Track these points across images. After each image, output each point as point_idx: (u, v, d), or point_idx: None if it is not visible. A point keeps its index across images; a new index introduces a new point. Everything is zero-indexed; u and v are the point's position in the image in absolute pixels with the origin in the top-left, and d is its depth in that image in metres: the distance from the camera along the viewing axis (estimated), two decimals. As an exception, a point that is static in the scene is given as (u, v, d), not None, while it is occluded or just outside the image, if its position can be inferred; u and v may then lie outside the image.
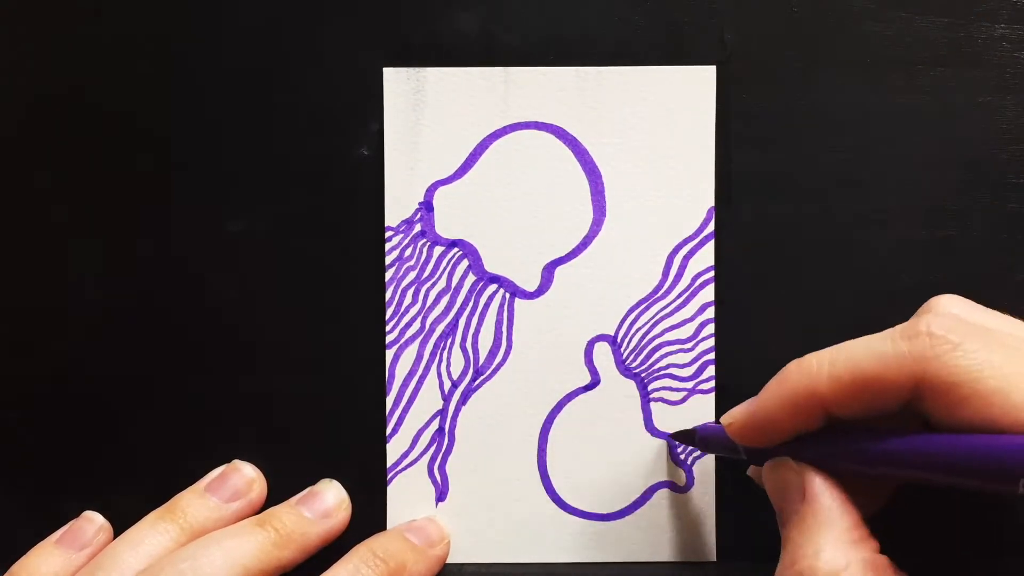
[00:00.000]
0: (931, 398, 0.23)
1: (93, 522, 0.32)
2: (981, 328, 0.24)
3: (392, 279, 0.32)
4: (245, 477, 0.32)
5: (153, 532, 0.30)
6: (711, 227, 0.32)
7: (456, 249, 0.33)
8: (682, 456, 0.32)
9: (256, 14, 0.32)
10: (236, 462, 0.32)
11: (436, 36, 0.32)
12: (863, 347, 0.24)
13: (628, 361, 0.32)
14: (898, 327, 0.24)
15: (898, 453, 0.24)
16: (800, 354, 0.32)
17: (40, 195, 0.33)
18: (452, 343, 0.33)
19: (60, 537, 0.31)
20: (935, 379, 0.23)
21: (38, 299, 0.33)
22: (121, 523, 0.32)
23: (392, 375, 0.32)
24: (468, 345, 0.33)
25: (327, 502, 0.32)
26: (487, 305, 0.33)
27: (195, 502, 0.31)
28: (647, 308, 0.32)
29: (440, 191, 0.32)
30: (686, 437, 0.31)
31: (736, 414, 0.27)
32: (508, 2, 0.32)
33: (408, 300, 0.32)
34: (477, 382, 0.33)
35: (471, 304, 0.33)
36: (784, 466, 0.26)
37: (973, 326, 0.24)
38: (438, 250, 0.33)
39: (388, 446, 0.33)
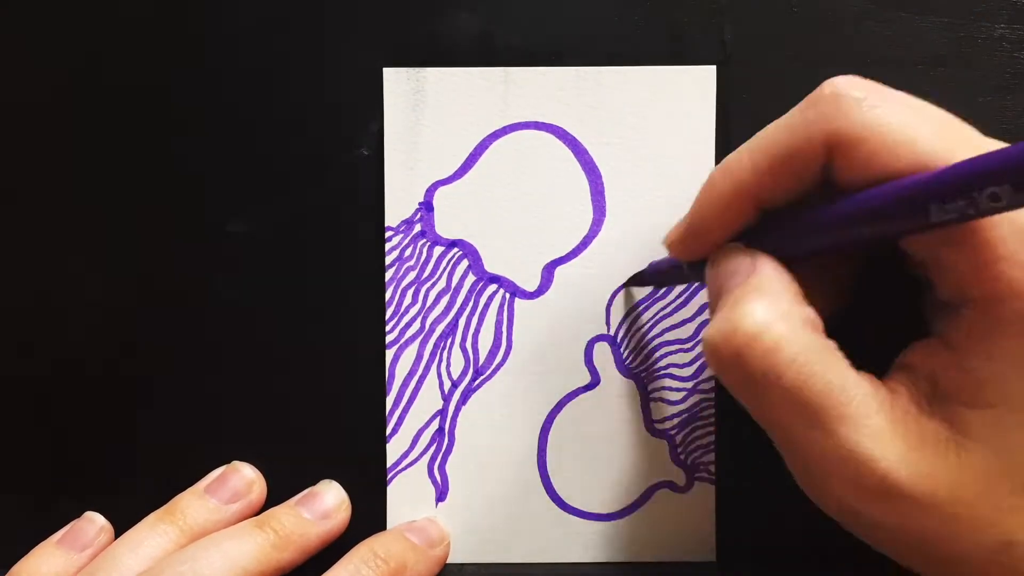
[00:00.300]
0: (842, 158, 0.23)
1: (94, 523, 0.32)
2: (882, 88, 0.24)
3: (392, 279, 0.32)
4: (245, 478, 0.32)
5: (152, 534, 0.30)
6: (711, 227, 0.32)
7: (456, 249, 0.33)
8: (682, 456, 0.32)
9: (256, 14, 0.32)
10: (235, 463, 0.32)
11: (436, 36, 0.32)
12: (774, 127, 0.25)
13: (628, 361, 0.32)
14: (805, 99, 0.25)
15: (819, 221, 0.24)
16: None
17: (40, 195, 0.33)
18: (452, 343, 0.33)
19: (61, 538, 0.31)
20: (844, 137, 0.23)
21: (38, 299, 0.33)
22: (121, 524, 0.32)
23: (392, 375, 0.33)
24: (468, 345, 0.33)
25: (327, 503, 0.32)
26: (487, 305, 0.33)
27: (194, 503, 0.31)
28: (647, 308, 0.32)
29: (440, 191, 0.32)
30: (637, 280, 0.32)
31: (673, 231, 0.28)
32: (508, 2, 0.32)
33: (408, 300, 0.32)
34: (477, 382, 0.33)
35: (471, 304, 0.33)
36: (736, 250, 0.26)
37: (874, 85, 0.24)
38: (438, 250, 0.33)
39: (388, 446, 0.33)
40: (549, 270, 0.32)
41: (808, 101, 0.24)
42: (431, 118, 0.32)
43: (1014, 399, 0.23)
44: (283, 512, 0.31)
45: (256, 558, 0.29)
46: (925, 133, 0.23)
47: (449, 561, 0.32)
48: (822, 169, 0.24)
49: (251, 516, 0.32)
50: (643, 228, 0.32)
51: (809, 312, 0.24)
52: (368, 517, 0.32)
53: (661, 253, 0.32)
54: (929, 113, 0.24)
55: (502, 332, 0.32)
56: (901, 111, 0.23)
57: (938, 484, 0.22)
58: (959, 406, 0.23)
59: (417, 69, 0.32)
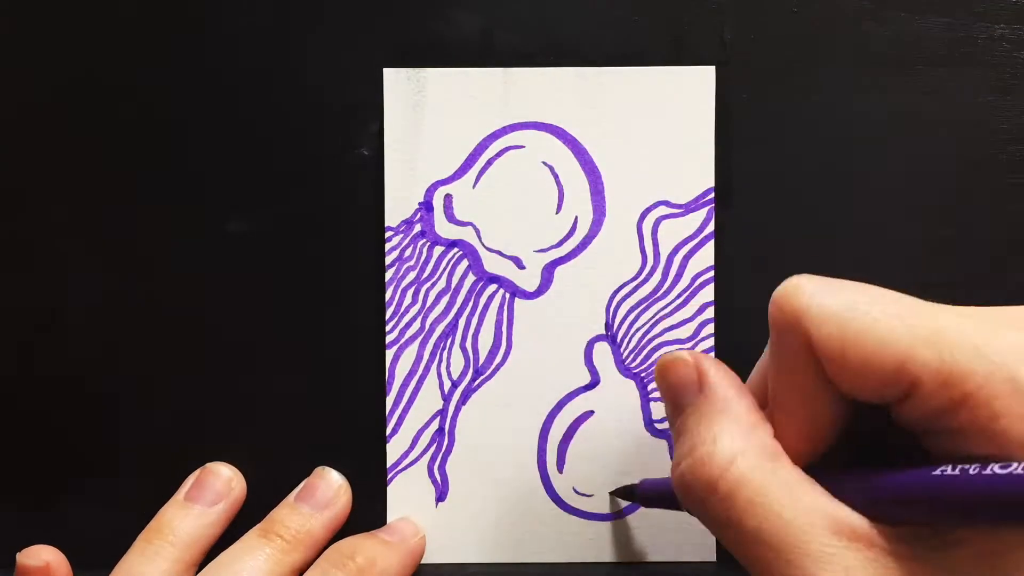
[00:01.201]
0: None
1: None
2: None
3: (392, 279, 0.32)
4: (222, 477, 0.32)
5: (146, 559, 0.30)
6: (711, 227, 0.32)
7: (456, 249, 0.33)
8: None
9: (256, 15, 0.32)
10: (209, 464, 0.32)
11: (436, 36, 0.32)
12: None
13: (628, 361, 0.32)
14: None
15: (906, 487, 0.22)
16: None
17: (40, 195, 0.33)
18: (452, 343, 0.33)
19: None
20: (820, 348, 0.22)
21: (38, 299, 0.33)
22: (122, 523, 0.32)
23: (392, 375, 0.32)
24: (468, 345, 0.33)
25: (326, 491, 0.32)
26: (487, 305, 0.33)
27: (179, 514, 0.31)
28: (647, 308, 0.32)
29: (440, 191, 0.32)
30: (625, 494, 0.32)
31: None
32: (508, 2, 0.32)
33: (408, 300, 0.32)
34: (477, 382, 0.33)
35: (471, 304, 0.33)
36: (678, 362, 0.25)
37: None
38: (438, 250, 0.33)
39: (388, 446, 0.33)
40: (549, 270, 0.32)
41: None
42: (431, 118, 0.32)
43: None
44: (285, 514, 0.31)
45: (270, 570, 0.29)
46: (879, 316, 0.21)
47: (449, 561, 0.32)
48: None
49: (236, 511, 0.32)
50: (643, 228, 0.32)
51: (767, 439, 0.23)
52: (368, 517, 0.32)
53: (659, 253, 0.32)
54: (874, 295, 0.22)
55: (502, 332, 0.32)
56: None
57: None
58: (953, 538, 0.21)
59: (417, 69, 0.32)
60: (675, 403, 0.25)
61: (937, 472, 0.21)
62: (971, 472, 0.20)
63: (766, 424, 0.24)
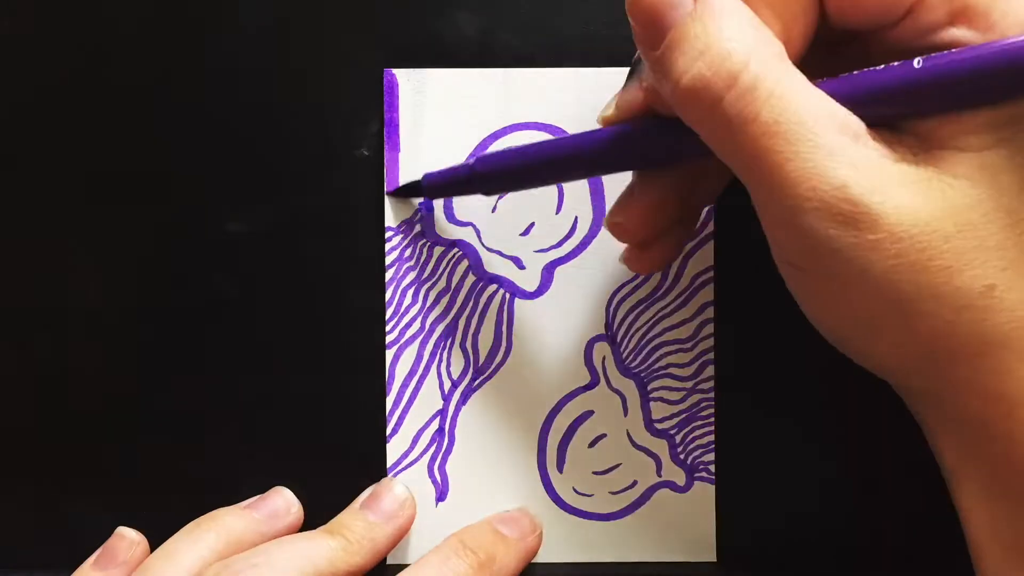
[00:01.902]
0: None
1: (125, 538, 0.31)
2: None
3: (392, 279, 0.32)
4: (285, 499, 0.32)
5: (189, 541, 0.30)
6: (711, 227, 0.32)
7: (456, 249, 0.33)
8: (682, 456, 0.32)
9: (256, 15, 0.32)
10: (277, 487, 0.32)
11: (436, 36, 0.32)
12: None
13: (628, 361, 0.32)
14: None
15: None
16: (800, 353, 0.32)
17: (40, 195, 0.33)
18: (452, 343, 0.33)
19: (95, 560, 0.31)
20: None
21: (38, 299, 0.33)
22: (122, 524, 0.32)
23: (392, 375, 0.33)
24: (468, 345, 0.33)
25: (391, 503, 0.31)
26: (487, 305, 0.33)
27: (233, 512, 0.31)
28: (647, 308, 0.32)
29: (440, 191, 0.32)
30: (410, 191, 0.32)
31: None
32: (508, 2, 0.32)
33: (408, 300, 0.33)
34: (477, 382, 0.33)
35: (471, 304, 0.33)
36: None
37: None
38: (438, 250, 0.33)
39: (388, 446, 0.33)
40: (549, 270, 0.32)
41: None
42: (431, 118, 0.32)
43: (1006, 142, 0.22)
44: (351, 518, 0.31)
45: (330, 559, 0.29)
46: None
47: (449, 561, 0.32)
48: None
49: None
50: (643, 228, 0.32)
51: (776, 41, 0.23)
52: (368, 517, 0.32)
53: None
54: None
55: (502, 332, 0.33)
56: None
57: (917, 216, 0.22)
58: (948, 151, 0.23)
59: (417, 70, 0.32)
60: (661, 20, 0.23)
61: (917, 63, 0.23)
62: (955, 52, 0.22)
63: (767, 28, 0.23)
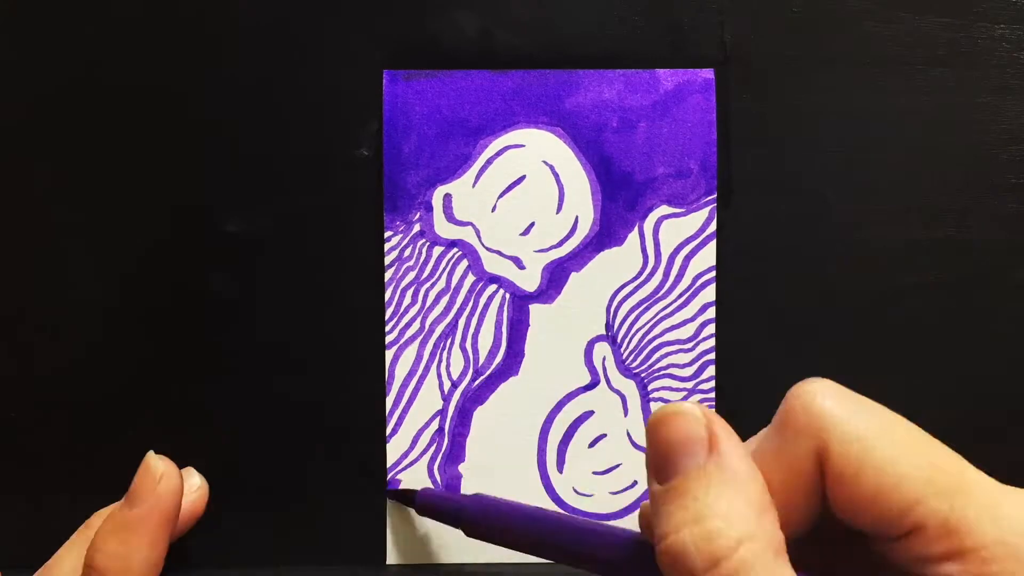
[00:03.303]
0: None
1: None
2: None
3: (392, 279, 0.32)
4: (148, 472, 0.30)
5: (66, 550, 0.30)
6: (712, 227, 0.32)
7: (456, 249, 0.33)
8: (682, 456, 0.32)
9: (256, 15, 0.32)
10: (148, 455, 0.30)
11: (436, 37, 0.32)
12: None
13: (628, 361, 0.32)
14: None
15: None
16: (799, 353, 0.32)
17: (40, 195, 0.33)
18: (452, 343, 0.33)
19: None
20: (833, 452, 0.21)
21: (38, 299, 0.33)
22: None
23: (392, 375, 0.32)
24: (468, 345, 0.33)
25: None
26: (487, 305, 0.33)
27: (101, 514, 0.31)
28: (647, 308, 0.32)
29: (439, 191, 0.32)
30: (404, 498, 0.32)
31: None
32: (508, 2, 0.32)
33: (408, 300, 0.32)
34: (477, 382, 0.33)
35: (471, 304, 0.33)
36: (685, 415, 0.22)
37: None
38: (438, 250, 0.33)
39: (388, 446, 0.33)
40: (549, 270, 0.32)
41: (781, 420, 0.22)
42: (431, 118, 0.32)
43: None
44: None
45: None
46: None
47: (450, 561, 0.32)
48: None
49: (163, 517, 0.30)
50: (643, 228, 0.32)
51: (775, 530, 0.22)
52: (368, 517, 0.32)
53: (660, 254, 0.32)
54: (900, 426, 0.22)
55: (502, 332, 0.32)
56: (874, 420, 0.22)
57: None
58: None
59: (417, 71, 0.32)
60: (672, 460, 0.22)
61: None
62: None
63: (774, 511, 0.22)
